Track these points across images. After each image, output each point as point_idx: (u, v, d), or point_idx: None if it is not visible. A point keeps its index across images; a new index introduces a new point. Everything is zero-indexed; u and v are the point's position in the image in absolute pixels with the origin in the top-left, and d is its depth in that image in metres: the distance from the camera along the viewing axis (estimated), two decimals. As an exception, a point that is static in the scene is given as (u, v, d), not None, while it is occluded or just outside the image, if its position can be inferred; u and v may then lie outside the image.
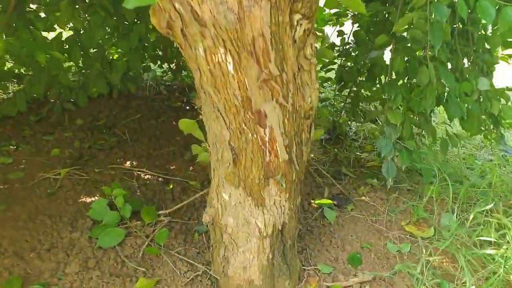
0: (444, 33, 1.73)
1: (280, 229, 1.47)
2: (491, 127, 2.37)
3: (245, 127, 1.24)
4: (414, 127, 2.36)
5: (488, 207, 1.96)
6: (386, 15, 2.40)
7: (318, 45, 1.81)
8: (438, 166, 2.38)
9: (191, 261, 1.58)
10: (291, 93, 1.25)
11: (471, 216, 1.93)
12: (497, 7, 1.64)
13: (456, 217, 2.02)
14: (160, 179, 2.16)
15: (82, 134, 2.56)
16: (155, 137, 2.60)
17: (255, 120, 1.23)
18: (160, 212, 1.78)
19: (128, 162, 2.31)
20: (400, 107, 2.12)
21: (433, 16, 1.70)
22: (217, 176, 1.42)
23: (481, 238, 1.82)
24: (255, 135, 1.26)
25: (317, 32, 1.93)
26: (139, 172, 2.19)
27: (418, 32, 1.79)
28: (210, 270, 1.54)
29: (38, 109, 2.80)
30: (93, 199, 1.93)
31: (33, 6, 2.32)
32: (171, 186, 2.09)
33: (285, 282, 1.52)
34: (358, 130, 3.11)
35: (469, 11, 2.13)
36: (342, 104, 2.86)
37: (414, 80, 2.07)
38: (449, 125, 2.58)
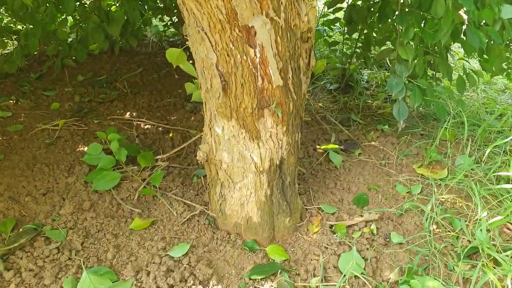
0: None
1: (278, 164, 1.38)
2: (515, 66, 2.19)
3: (233, 47, 1.14)
4: (428, 68, 2.20)
5: (507, 139, 1.81)
6: None
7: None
8: (454, 107, 2.23)
9: (188, 202, 1.53)
10: (283, 7, 1.13)
11: (487, 152, 1.80)
12: None
13: (472, 158, 1.90)
14: (160, 128, 2.10)
15: (83, 89, 2.51)
16: (156, 90, 2.53)
17: (244, 39, 1.12)
18: (158, 156, 1.72)
19: (128, 114, 2.25)
20: (412, 41, 1.96)
21: None
22: (208, 109, 1.34)
23: (498, 173, 1.70)
24: (244, 57, 1.15)
25: None
26: (139, 122, 2.13)
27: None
28: (207, 210, 1.48)
29: (38, 66, 2.75)
30: (91, 146, 1.89)
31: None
32: (171, 135, 2.03)
33: (285, 220, 1.45)
34: (370, 78, 2.95)
35: None
36: (352, 49, 2.69)
37: (430, 15, 1.90)
38: (467, 61, 2.39)
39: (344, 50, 2.86)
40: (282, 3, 1.11)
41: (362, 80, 2.91)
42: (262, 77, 1.20)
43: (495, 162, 1.86)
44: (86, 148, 1.90)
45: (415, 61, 2.01)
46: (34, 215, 1.44)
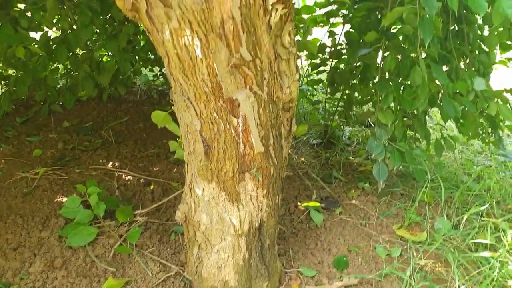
0: (435, 28, 1.67)
1: (257, 227, 1.39)
2: (489, 130, 2.29)
3: (217, 116, 1.18)
4: (408, 130, 2.29)
5: (483, 207, 1.86)
6: (379, 16, 2.36)
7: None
8: (432, 168, 2.30)
9: (164, 262, 1.50)
10: (267, 81, 1.19)
11: (465, 217, 1.84)
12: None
13: (450, 221, 1.93)
14: (141, 180, 2.09)
15: (67, 136, 2.51)
16: (141, 140, 2.54)
17: (228, 109, 1.17)
18: (137, 211, 1.70)
19: (110, 164, 2.25)
20: (391, 107, 2.05)
21: (423, 10, 1.65)
22: (190, 170, 1.35)
23: (476, 241, 1.73)
24: (227, 125, 1.19)
25: (301, 25, 1.89)
26: (121, 173, 2.13)
27: (409, 28, 1.73)
28: (183, 271, 1.45)
29: (25, 110, 2.75)
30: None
31: (20, 6, 2.29)
32: (151, 187, 2.02)
33: (263, 284, 1.43)
34: (352, 135, 3.04)
35: (464, 11, 2.08)
36: (335, 107, 2.79)
37: (408, 82, 2.01)
38: (444, 127, 2.50)
39: (327, 107, 2.96)
40: (265, 78, 1.17)
41: (344, 137, 2.99)
42: (244, 144, 1.23)
43: (473, 226, 1.90)
44: (64, 199, 1.87)
45: (395, 124, 2.09)
46: (2, 272, 1.39)
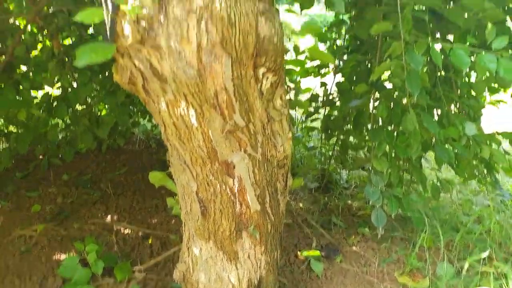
0: (422, 80, 1.74)
1: (256, 284, 1.38)
2: (485, 172, 2.32)
3: (213, 178, 1.21)
4: (404, 172, 2.32)
5: (484, 254, 1.86)
6: (369, 65, 2.45)
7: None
8: (430, 213, 2.30)
9: (162, 323, 1.47)
10: (260, 143, 1.23)
11: (467, 265, 1.83)
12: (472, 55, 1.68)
13: (452, 266, 1.92)
14: (139, 233, 2.09)
15: (66, 190, 2.53)
16: (139, 191, 2.56)
17: (223, 171, 1.20)
18: (135, 268, 1.69)
19: (109, 217, 2.25)
20: (386, 154, 2.09)
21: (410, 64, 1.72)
22: (187, 229, 1.37)
23: (478, 288, 1.71)
24: (223, 186, 1.22)
25: (290, 85, 1.97)
26: (119, 227, 2.13)
27: (397, 80, 1.80)
28: (183, 333, 1.43)
29: (25, 165, 2.79)
30: (67, 256, 1.86)
31: (23, 68, 2.38)
32: (150, 241, 2.02)
33: None
34: (349, 178, 3.06)
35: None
36: (330, 152, 2.84)
37: (400, 127, 2.06)
38: (439, 170, 2.53)
39: (323, 151, 3.01)
40: (259, 140, 1.22)
41: (342, 180, 3.02)
42: (240, 203, 1.26)
43: (476, 271, 1.88)
44: (63, 256, 1.86)
45: (390, 170, 2.12)
46: None
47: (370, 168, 2.15)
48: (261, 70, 1.18)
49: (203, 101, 1.08)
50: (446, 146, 2.02)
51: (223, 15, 1.02)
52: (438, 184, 2.26)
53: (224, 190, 1.22)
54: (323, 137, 2.72)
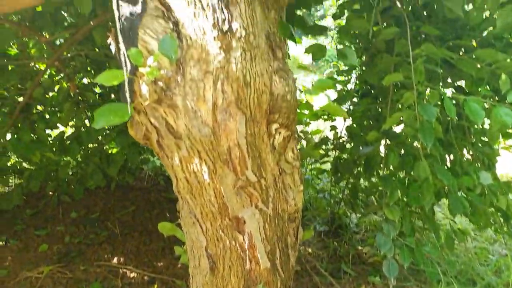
0: (436, 131, 1.73)
1: None
2: (501, 221, 2.26)
3: (223, 234, 1.19)
4: (417, 219, 2.26)
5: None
6: (379, 109, 2.46)
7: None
8: (444, 264, 2.23)
9: None
10: (272, 198, 1.22)
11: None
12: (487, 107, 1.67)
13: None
14: (145, 277, 2.05)
15: (74, 228, 2.52)
16: (146, 231, 2.53)
17: (233, 227, 1.18)
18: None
19: (115, 259, 2.22)
20: (398, 202, 2.06)
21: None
22: (194, 284, 1.34)
23: None
24: (233, 242, 1.20)
25: (301, 134, 1.97)
26: (125, 270, 2.09)
27: (410, 129, 1.79)
28: None
29: (35, 202, 2.80)
30: (72, 302, 1.82)
31: (39, 107, 2.44)
32: (155, 286, 1.97)
33: None
34: (359, 222, 3.00)
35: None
36: (340, 195, 2.80)
37: (412, 173, 2.03)
38: (453, 221, 2.48)
39: (333, 193, 2.97)
40: (270, 195, 1.20)
41: (351, 223, 2.96)
42: (250, 259, 1.23)
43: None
44: (67, 302, 1.83)
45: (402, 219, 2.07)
46: None
47: (381, 216, 2.11)
48: (274, 126, 1.19)
49: (216, 158, 1.08)
50: (460, 192, 1.98)
51: (238, 76, 1.04)
52: (452, 234, 2.19)
53: (233, 246, 1.20)
54: (332, 179, 2.69)
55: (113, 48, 1.24)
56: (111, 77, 0.90)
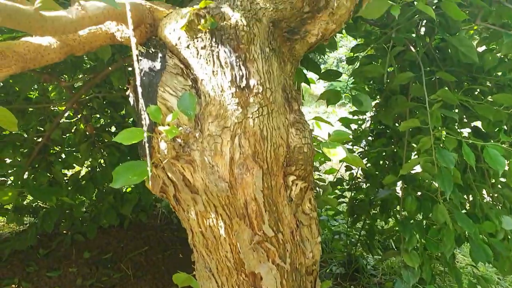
0: (455, 178, 1.69)
1: None
2: (527, 266, 2.16)
3: (239, 290, 1.16)
4: (437, 264, 2.18)
5: None
6: (395, 150, 2.43)
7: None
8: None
9: None
10: (289, 252, 1.19)
11: None
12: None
13: None
14: (157, 327, 2.00)
15: (87, 270, 2.49)
16: (159, 273, 2.49)
17: (250, 282, 1.15)
18: None
19: (127, 305, 2.18)
20: (417, 247, 1.99)
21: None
22: None
23: None
24: (250, 299, 1.16)
25: (318, 182, 1.95)
26: (137, 318, 2.04)
27: (427, 175, 1.76)
28: None
29: (48, 241, 2.79)
30: None
31: (56, 148, 2.48)
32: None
33: None
34: (377, 264, 2.90)
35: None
36: (357, 236, 2.73)
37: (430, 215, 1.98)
38: (475, 267, 2.39)
39: (349, 235, 2.90)
40: (287, 249, 1.17)
41: (369, 265, 2.86)
42: (267, 316, 1.19)
43: None
44: None
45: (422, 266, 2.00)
46: None
47: (400, 262, 2.04)
48: (291, 178, 1.17)
49: (233, 213, 1.07)
50: (482, 236, 1.91)
51: (255, 130, 1.04)
52: (475, 281, 2.10)
53: (250, 302, 1.16)
54: (349, 220, 2.64)
55: (131, 100, 1.26)
56: (130, 136, 0.91)
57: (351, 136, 2.46)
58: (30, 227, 2.49)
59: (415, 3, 1.23)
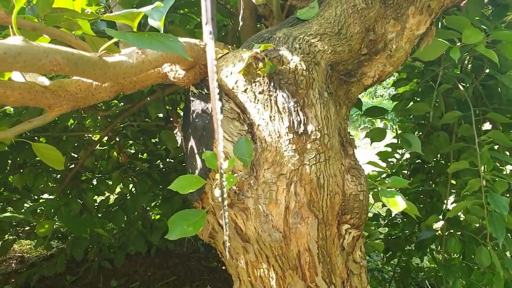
0: (508, 223, 1.59)
1: None
2: None
3: None
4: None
5: None
6: (433, 185, 2.34)
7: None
8: None
9: None
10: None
11: None
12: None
13: None
14: None
15: (113, 299, 2.44)
16: (187, 307, 2.43)
17: (299, 338, 1.08)
18: None
19: None
20: None
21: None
22: None
23: None
24: None
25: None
26: None
27: (475, 218, 1.67)
28: None
29: (76, 267, 2.77)
30: None
31: (88, 174, 2.48)
32: None
33: None
34: (412, 303, 2.76)
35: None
36: (391, 273, 2.62)
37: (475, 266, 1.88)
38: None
39: (384, 271, 2.79)
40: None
41: (403, 305, 2.73)
42: None
43: None
44: None
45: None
46: None
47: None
48: (345, 227, 1.12)
49: (285, 264, 1.01)
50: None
51: (312, 178, 1.00)
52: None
53: None
54: (384, 257, 2.53)
55: (179, 138, 1.24)
56: (187, 184, 0.88)
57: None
58: (58, 253, 2.47)
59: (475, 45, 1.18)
